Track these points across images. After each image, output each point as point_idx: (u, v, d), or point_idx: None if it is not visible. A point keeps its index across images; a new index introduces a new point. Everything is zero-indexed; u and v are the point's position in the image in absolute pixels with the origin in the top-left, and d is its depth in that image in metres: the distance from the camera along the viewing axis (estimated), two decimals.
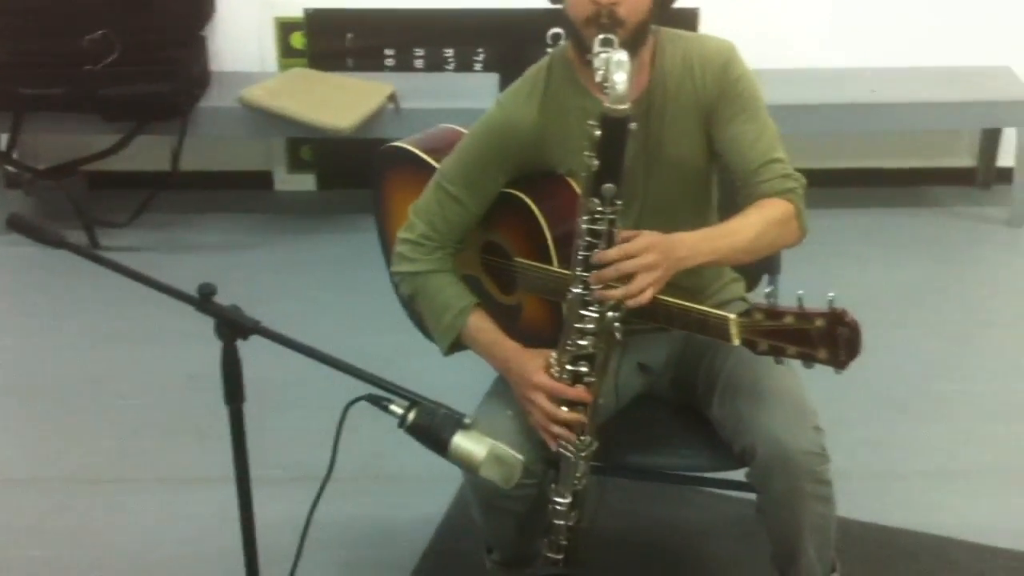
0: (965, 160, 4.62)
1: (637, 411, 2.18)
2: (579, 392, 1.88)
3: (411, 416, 1.63)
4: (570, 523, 2.01)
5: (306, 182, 4.65)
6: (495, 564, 2.24)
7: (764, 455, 1.91)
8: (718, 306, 2.14)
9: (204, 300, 1.68)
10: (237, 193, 4.59)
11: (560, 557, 2.05)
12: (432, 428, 1.63)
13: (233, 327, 1.68)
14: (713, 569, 2.53)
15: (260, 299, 3.81)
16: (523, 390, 1.94)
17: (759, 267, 2.29)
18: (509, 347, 2.00)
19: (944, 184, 4.60)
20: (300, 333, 3.45)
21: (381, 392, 1.66)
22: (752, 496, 2.00)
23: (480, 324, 2.04)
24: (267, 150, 4.60)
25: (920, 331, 3.59)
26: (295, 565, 1.89)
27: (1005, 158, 4.45)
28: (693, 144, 2.01)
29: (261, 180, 4.64)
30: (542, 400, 1.90)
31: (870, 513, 2.67)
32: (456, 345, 2.08)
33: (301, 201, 4.61)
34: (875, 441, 3.01)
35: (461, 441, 1.62)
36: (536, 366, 1.92)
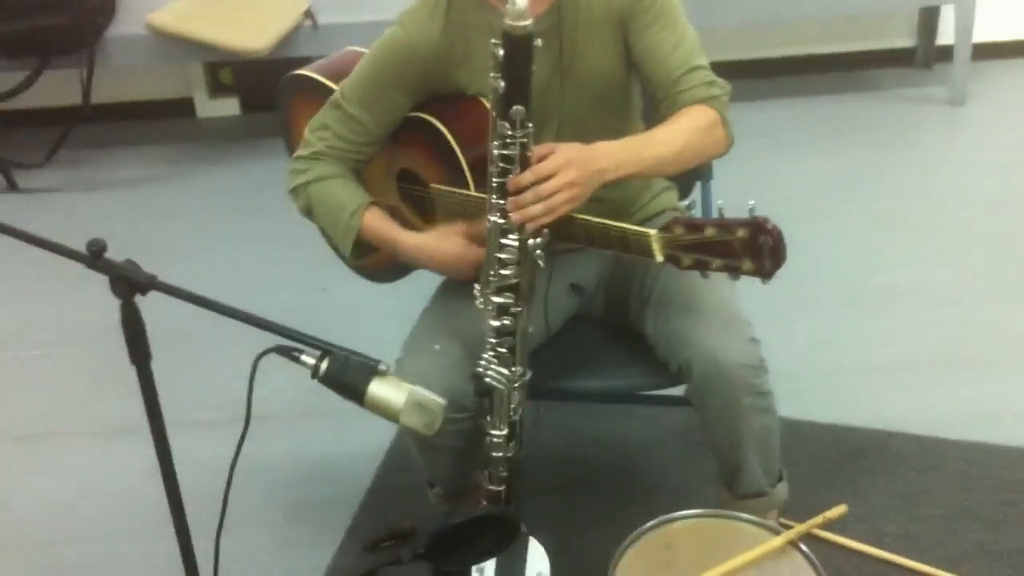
0: (904, 40, 4.54)
1: (571, 333, 2.12)
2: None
3: (323, 366, 1.54)
4: (508, 454, 1.95)
5: (229, 107, 4.51)
6: (438, 497, 2.18)
7: (700, 372, 1.86)
8: (649, 219, 2.09)
9: (95, 257, 1.57)
10: (158, 123, 4.46)
11: (501, 489, 1.99)
12: (346, 377, 1.54)
13: (128, 284, 1.57)
14: (659, 482, 2.49)
15: (184, 233, 3.78)
16: (451, 251, 1.88)
17: (690, 174, 2.20)
18: (414, 233, 1.94)
19: (884, 67, 4.53)
20: (229, 265, 3.49)
21: (291, 342, 1.56)
22: None
23: (380, 218, 1.95)
24: (186, 76, 4.44)
25: (862, 220, 3.54)
26: (222, 514, 1.80)
27: (944, 36, 4.37)
28: (609, 56, 1.90)
29: (182, 108, 4.50)
30: (474, 230, 1.84)
31: (818, 412, 2.64)
32: (361, 248, 1.98)
33: (225, 127, 4.48)
34: (820, 338, 2.97)
35: (377, 389, 1.54)
36: (450, 228, 1.88)
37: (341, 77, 2.03)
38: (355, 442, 2.68)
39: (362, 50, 2.12)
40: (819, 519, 1.95)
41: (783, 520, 2.11)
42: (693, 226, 1.59)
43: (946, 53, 4.27)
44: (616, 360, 2.08)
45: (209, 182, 4.07)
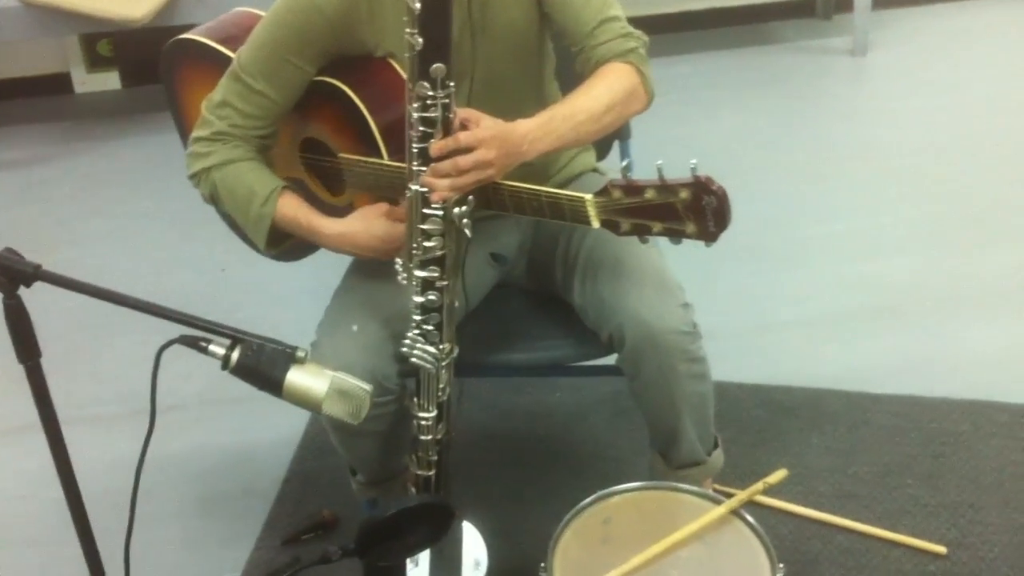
0: None
1: (494, 305, 2.02)
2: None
3: (234, 356, 1.41)
4: (438, 437, 1.84)
5: (109, 80, 4.33)
6: (361, 485, 2.06)
7: (632, 340, 1.78)
8: (568, 181, 2.01)
9: None
10: (33, 101, 4.25)
11: (431, 473, 1.88)
12: (261, 367, 1.41)
13: (10, 275, 1.41)
14: (591, 452, 2.42)
15: (69, 217, 3.61)
16: (378, 233, 1.75)
17: (608, 134, 2.11)
18: (335, 220, 1.79)
19: (785, 18, 4.51)
20: (119, 248, 3.30)
21: (197, 332, 1.42)
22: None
23: (294, 203, 1.80)
24: (61, 49, 4.22)
25: (774, 174, 3.51)
26: (131, 520, 1.65)
27: None
28: (522, 8, 1.80)
29: (58, 83, 4.30)
30: (398, 212, 1.71)
31: (744, 372, 2.59)
32: (274, 237, 1.83)
33: (105, 102, 4.29)
34: (741, 296, 2.93)
35: (296, 378, 1.42)
36: (371, 210, 1.76)
37: (232, 40, 1.89)
38: (268, 429, 2.55)
39: (253, 10, 1.99)
40: (760, 485, 1.88)
41: (717, 486, 2.06)
42: (632, 189, 1.50)
43: (845, 3, 4.27)
44: (543, 331, 1.99)
45: (92, 161, 3.87)
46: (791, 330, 2.79)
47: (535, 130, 1.65)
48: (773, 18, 4.49)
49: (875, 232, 3.18)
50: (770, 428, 2.44)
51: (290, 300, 2.81)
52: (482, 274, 1.97)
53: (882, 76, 4.13)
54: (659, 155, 1.52)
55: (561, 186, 1.94)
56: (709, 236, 1.49)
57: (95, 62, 4.26)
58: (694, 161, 1.47)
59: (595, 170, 2.08)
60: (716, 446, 2.02)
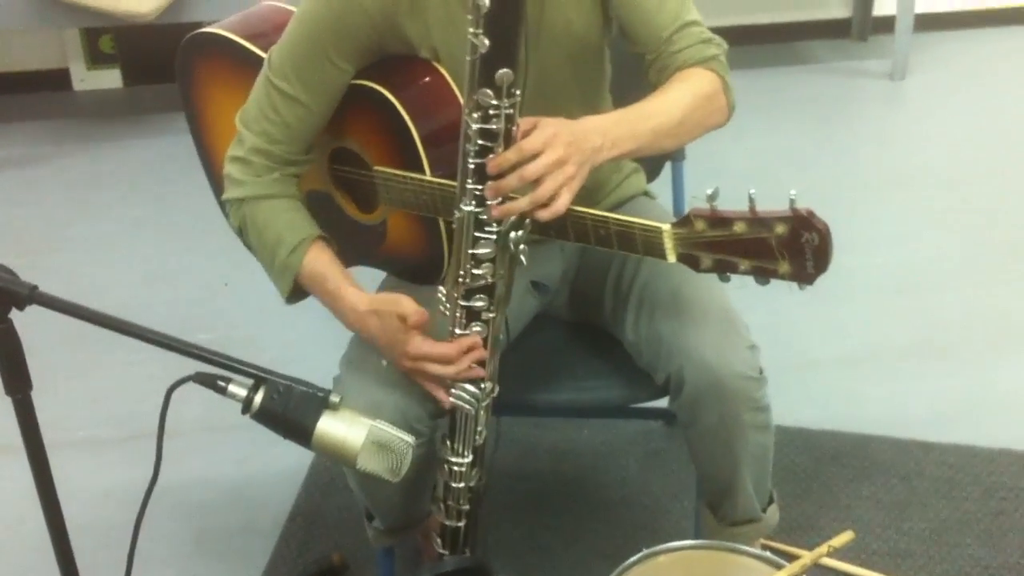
0: (839, 11, 4.41)
1: (534, 337, 1.84)
2: (473, 343, 1.51)
3: (257, 398, 1.24)
4: (471, 484, 1.67)
5: (110, 78, 4.19)
6: (378, 532, 1.88)
7: (693, 384, 1.61)
8: (619, 205, 1.84)
9: None
10: (30, 97, 4.10)
11: (461, 524, 1.70)
12: (288, 412, 1.24)
13: (2, 298, 1.23)
14: (621, 497, 2.25)
15: (61, 221, 3.43)
16: (400, 361, 1.56)
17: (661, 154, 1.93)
18: (359, 300, 1.58)
19: (819, 38, 4.38)
20: (115, 255, 3.12)
21: (215, 369, 1.24)
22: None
23: (318, 267, 1.60)
24: (61, 44, 4.10)
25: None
26: (132, 553, 1.46)
27: (881, 6, 4.26)
28: (583, 10, 1.62)
29: (57, 79, 4.17)
30: (432, 368, 1.52)
31: (785, 415, 2.39)
32: (297, 289, 1.66)
33: (106, 101, 4.15)
34: (775, 331, 2.71)
35: (328, 427, 1.24)
36: (406, 337, 1.52)
37: (260, 37, 1.71)
38: (271, 460, 2.36)
39: (282, 5, 1.81)
40: (824, 548, 1.69)
41: (763, 541, 1.88)
42: (718, 220, 1.34)
43: (881, 24, 4.14)
44: (588, 369, 1.81)
45: (89, 163, 3.71)
46: (831, 370, 2.62)
47: (609, 124, 1.47)
48: (806, 38, 4.36)
49: (915, 264, 3.01)
50: (816, 477, 2.27)
51: (294, 319, 2.63)
52: (522, 304, 1.79)
53: (921, 100, 3.99)
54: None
55: (611, 210, 1.77)
56: (806, 278, 1.33)
57: (96, 58, 4.14)
58: (794, 192, 1.32)
59: (646, 193, 1.91)
60: (771, 501, 1.84)
